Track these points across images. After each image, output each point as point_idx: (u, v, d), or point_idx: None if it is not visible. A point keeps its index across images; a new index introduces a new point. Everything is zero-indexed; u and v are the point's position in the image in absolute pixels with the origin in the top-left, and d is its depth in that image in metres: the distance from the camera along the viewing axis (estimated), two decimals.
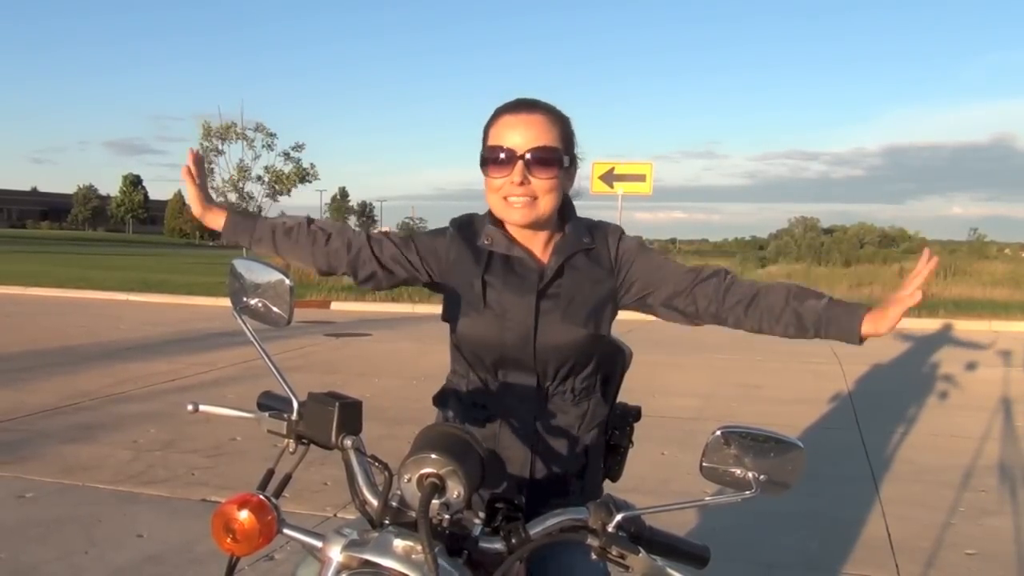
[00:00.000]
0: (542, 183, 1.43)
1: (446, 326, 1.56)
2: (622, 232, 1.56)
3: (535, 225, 1.48)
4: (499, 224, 1.52)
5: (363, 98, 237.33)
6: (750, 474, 1.16)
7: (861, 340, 1.39)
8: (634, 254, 1.53)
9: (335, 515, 3.59)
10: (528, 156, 1.41)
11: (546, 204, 1.45)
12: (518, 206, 1.44)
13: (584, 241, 1.51)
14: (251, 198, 21.82)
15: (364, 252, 1.56)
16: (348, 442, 1.13)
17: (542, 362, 1.47)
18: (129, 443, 4.78)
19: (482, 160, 1.47)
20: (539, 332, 1.46)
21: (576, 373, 1.50)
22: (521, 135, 1.42)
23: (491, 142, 1.46)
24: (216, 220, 1.62)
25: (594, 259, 1.52)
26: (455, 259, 1.53)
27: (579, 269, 1.50)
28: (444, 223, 1.60)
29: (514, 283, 1.48)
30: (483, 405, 1.51)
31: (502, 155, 1.43)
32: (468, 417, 1.52)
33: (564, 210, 1.53)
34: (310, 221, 1.60)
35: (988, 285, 17.52)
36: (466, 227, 1.56)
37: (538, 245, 1.52)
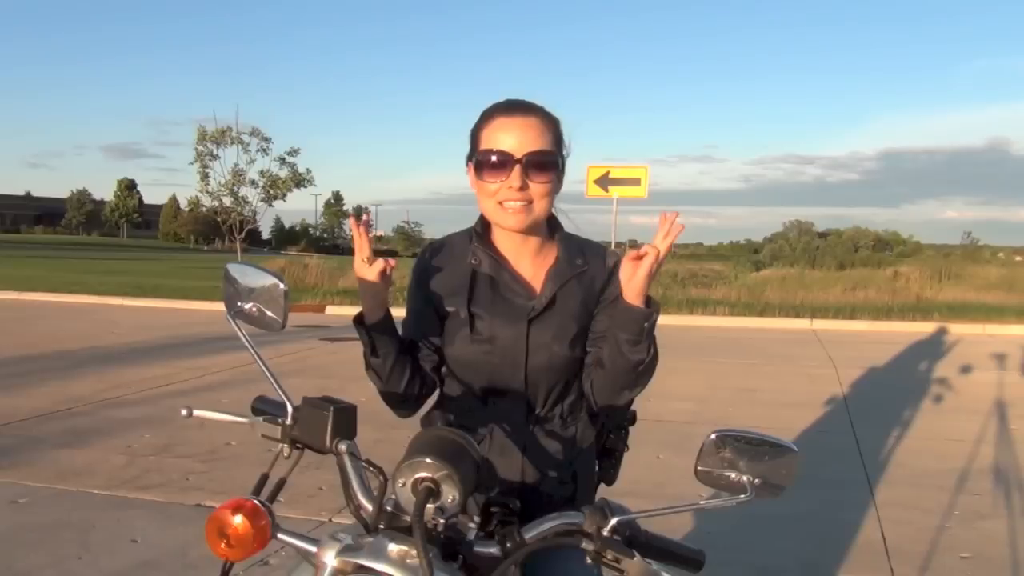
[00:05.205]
0: (539, 187, 1.40)
1: None
2: (618, 256, 1.49)
3: (528, 230, 1.45)
4: (484, 241, 1.48)
5: (359, 101, 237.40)
6: (745, 478, 1.16)
7: (638, 306, 1.31)
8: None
9: (330, 520, 3.58)
10: (525, 160, 1.38)
11: (541, 209, 1.42)
12: (514, 211, 1.40)
13: (577, 264, 1.48)
14: (246, 202, 21.82)
15: (425, 359, 1.51)
16: (343, 446, 1.12)
17: (533, 386, 1.46)
18: (123, 448, 4.76)
19: (476, 164, 1.43)
20: (530, 357, 1.44)
21: (565, 397, 1.49)
22: (517, 138, 1.38)
23: (485, 145, 1.41)
24: (369, 288, 1.38)
25: (586, 283, 1.48)
26: (436, 288, 1.49)
27: (571, 294, 1.47)
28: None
29: (503, 308, 1.45)
30: (472, 428, 1.48)
31: (499, 158, 1.39)
32: None
33: (550, 219, 1.50)
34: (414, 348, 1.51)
35: (982, 289, 17.60)
36: (440, 251, 1.52)
37: (527, 255, 1.49)
